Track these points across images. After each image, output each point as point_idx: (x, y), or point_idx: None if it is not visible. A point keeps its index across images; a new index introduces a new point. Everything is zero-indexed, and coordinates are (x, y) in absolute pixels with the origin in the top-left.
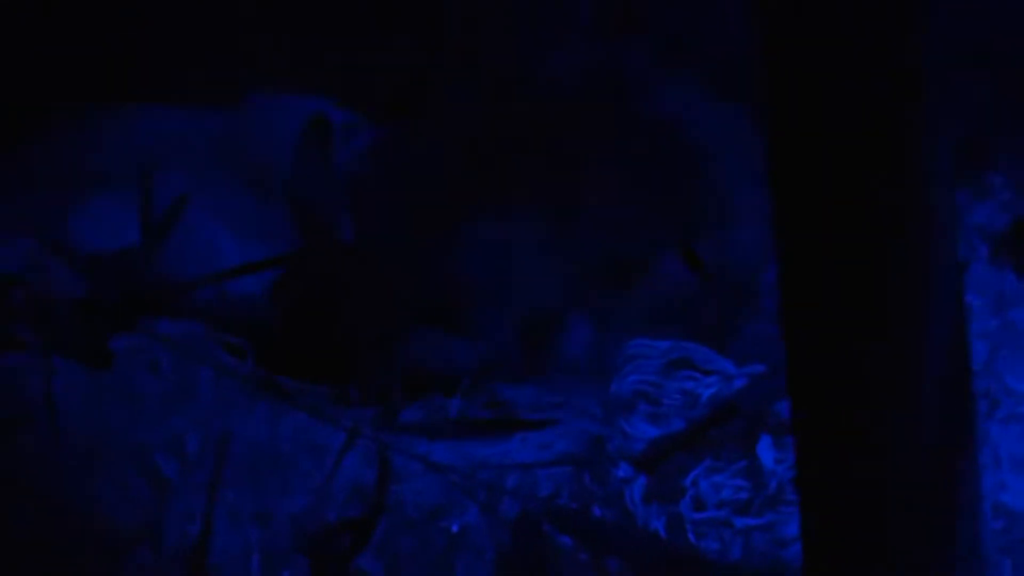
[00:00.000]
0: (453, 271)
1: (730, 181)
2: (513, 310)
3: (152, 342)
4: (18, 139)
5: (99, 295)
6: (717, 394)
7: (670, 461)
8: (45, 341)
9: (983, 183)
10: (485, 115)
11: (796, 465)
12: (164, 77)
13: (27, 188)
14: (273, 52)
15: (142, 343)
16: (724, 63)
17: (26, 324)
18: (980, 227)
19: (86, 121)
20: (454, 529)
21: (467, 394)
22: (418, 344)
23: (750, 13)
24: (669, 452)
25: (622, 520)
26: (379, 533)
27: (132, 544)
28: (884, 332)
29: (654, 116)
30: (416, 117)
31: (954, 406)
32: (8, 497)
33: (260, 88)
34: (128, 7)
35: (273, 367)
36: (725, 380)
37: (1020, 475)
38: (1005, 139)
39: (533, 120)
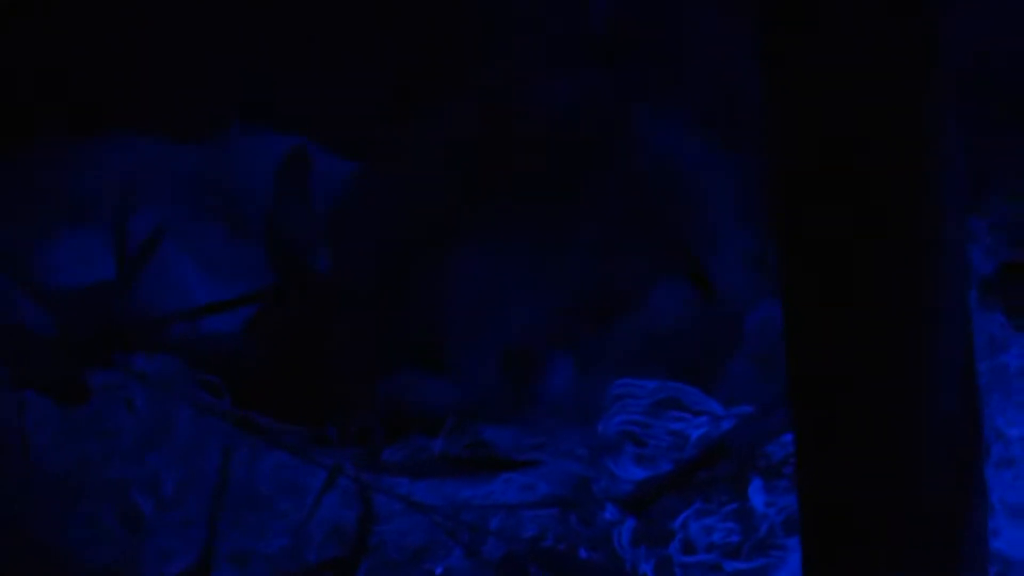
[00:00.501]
0: (434, 308)
1: (718, 218)
2: (495, 348)
3: (127, 378)
4: None
5: (72, 330)
6: (706, 435)
7: (659, 503)
8: (17, 376)
9: (968, 228)
10: (469, 143)
11: (798, 501)
12: (140, 109)
13: None
14: (250, 86)
15: (117, 379)
16: (719, 100)
17: None
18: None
19: (59, 151)
20: (438, 571)
21: (449, 434)
22: (399, 383)
23: (751, 50)
24: (658, 494)
25: (610, 563)
26: (361, 574)
27: None
28: (891, 369)
29: (644, 149)
30: (396, 149)
31: (962, 446)
32: None
33: (236, 123)
34: (104, 35)
35: (250, 405)
36: (714, 421)
37: (1013, 521)
38: (989, 180)
39: (519, 148)
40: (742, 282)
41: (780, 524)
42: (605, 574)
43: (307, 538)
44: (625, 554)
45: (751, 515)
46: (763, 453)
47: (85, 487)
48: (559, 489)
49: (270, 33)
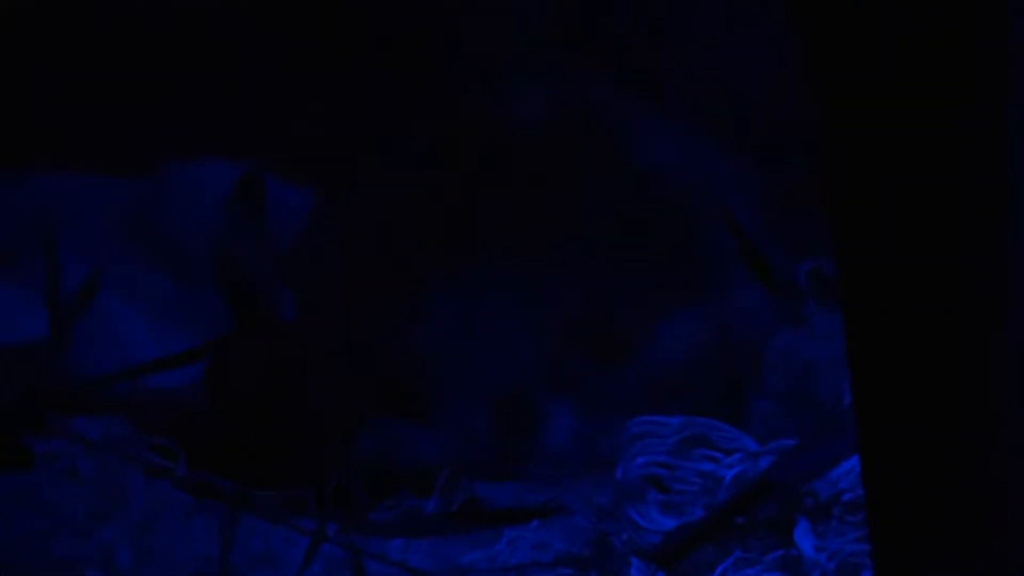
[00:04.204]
0: (415, 351)
1: (729, 238)
2: (486, 394)
3: (69, 445)
4: None
5: (1, 394)
6: (742, 474)
7: (692, 555)
8: None
9: None
10: (439, 167)
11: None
12: (67, 140)
13: None
14: (193, 116)
15: (57, 447)
16: (730, 106)
17: None
18: None
19: None
20: None
21: (443, 492)
22: (380, 437)
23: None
24: (690, 545)
25: None
26: None
27: None
28: (965, 387)
29: (638, 164)
30: (362, 176)
31: None
32: None
33: (176, 154)
34: (29, 64)
35: (212, 469)
36: (749, 458)
37: None
38: None
39: (496, 170)
40: (759, 306)
41: (833, 571)
42: None
43: None
44: None
45: (799, 563)
46: (809, 491)
47: (32, 567)
48: (575, 546)
49: (213, 53)
